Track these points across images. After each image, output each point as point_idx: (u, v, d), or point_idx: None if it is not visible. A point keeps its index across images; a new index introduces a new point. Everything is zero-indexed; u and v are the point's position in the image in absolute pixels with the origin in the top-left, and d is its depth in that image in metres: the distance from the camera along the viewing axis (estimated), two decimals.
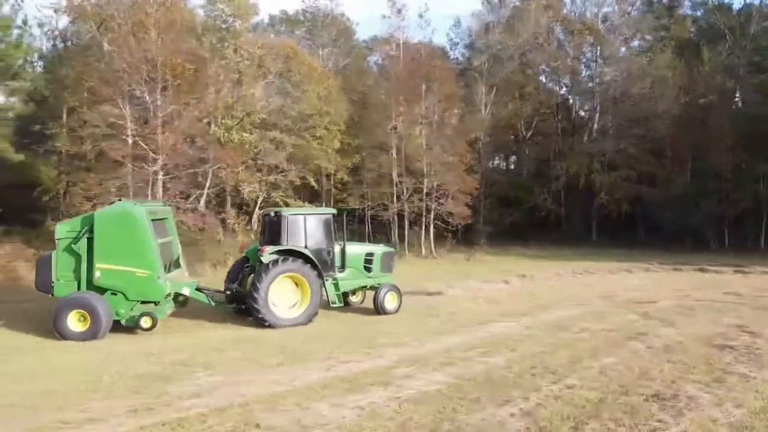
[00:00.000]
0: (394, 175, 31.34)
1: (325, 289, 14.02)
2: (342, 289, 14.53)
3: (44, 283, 12.82)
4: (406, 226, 31.94)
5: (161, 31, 21.60)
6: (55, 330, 11.96)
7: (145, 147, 21.98)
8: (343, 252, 14.66)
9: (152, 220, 12.94)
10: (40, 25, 23.55)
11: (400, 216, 32.22)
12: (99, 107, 22.48)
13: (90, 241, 12.41)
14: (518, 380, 8.87)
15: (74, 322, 11.93)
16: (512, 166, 45.91)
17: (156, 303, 12.81)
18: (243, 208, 29.18)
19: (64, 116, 28.94)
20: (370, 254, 15.11)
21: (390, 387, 8.71)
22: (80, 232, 12.55)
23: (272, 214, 14.92)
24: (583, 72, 41.51)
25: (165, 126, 21.90)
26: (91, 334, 11.87)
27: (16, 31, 20.96)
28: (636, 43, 40.99)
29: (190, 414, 7.74)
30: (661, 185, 36.18)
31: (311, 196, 33.78)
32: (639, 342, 11.15)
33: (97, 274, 12.28)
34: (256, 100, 25.09)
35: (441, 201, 30.88)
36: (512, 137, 41.33)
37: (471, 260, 29.69)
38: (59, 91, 27.51)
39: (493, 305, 16.09)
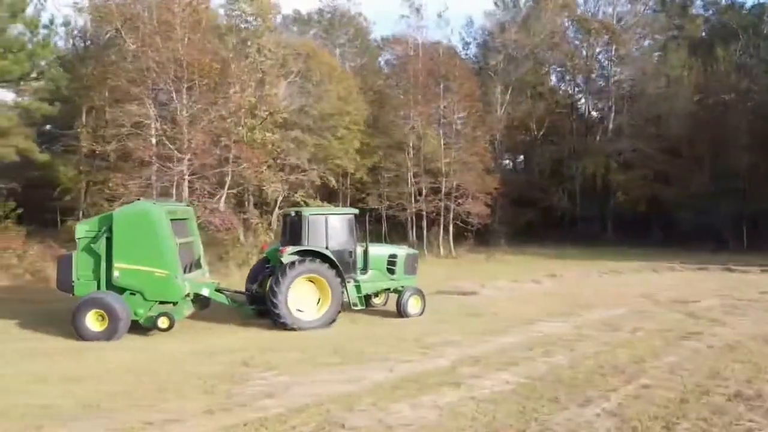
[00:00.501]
0: (410, 175, 31.27)
1: (347, 291, 13.63)
2: (364, 292, 14.18)
3: (65, 283, 12.79)
4: (425, 226, 31.86)
5: (188, 30, 21.49)
6: (74, 329, 11.87)
7: (171, 146, 21.88)
8: (365, 253, 14.31)
9: (172, 219, 12.86)
10: (65, 25, 23.45)
11: (418, 216, 32.16)
12: (125, 106, 22.39)
13: (109, 240, 12.37)
14: (589, 380, 8.78)
15: (93, 321, 11.89)
16: (524, 166, 45.81)
17: (174, 303, 12.64)
18: (263, 208, 29.09)
19: (83, 116, 28.91)
20: (394, 256, 14.77)
21: (461, 387, 8.62)
22: (99, 231, 12.52)
23: (293, 213, 14.70)
24: (598, 71, 41.40)
25: (190, 125, 21.78)
26: (109, 334, 11.80)
27: (43, 31, 20.84)
28: (648, 42, 40.84)
29: (269, 414, 7.66)
30: (679, 184, 36.07)
31: (328, 195, 33.69)
32: (697, 341, 11.07)
33: (115, 273, 12.23)
34: (279, 99, 25.00)
35: (460, 201, 30.81)
36: (526, 137, 41.20)
37: (490, 260, 29.61)
38: (78, 91, 27.44)
39: (533, 305, 16.01)
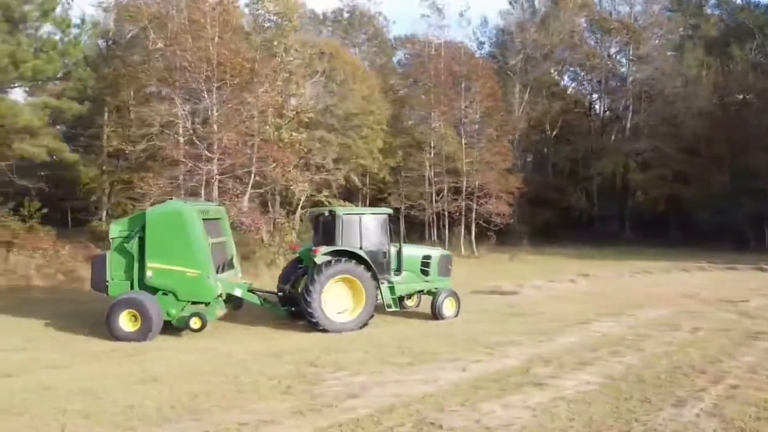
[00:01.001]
0: (430, 174, 31.19)
1: (380, 293, 13.35)
2: (398, 293, 13.89)
3: (99, 283, 12.80)
4: (447, 226, 31.78)
5: (219, 30, 21.41)
6: (107, 329, 11.83)
7: (201, 146, 21.78)
8: (399, 254, 14.02)
9: (204, 219, 12.75)
10: (94, 25, 23.30)
11: (438, 216, 32.09)
12: (155, 105, 22.31)
13: (142, 240, 12.29)
14: (673, 380, 8.69)
15: (126, 321, 11.84)
16: (541, 166, 45.67)
17: (206, 304, 12.49)
18: (286, 208, 28.99)
19: (105, 115, 28.83)
20: (428, 257, 14.48)
21: (544, 387, 8.53)
22: (132, 231, 12.46)
23: (326, 213, 14.47)
24: (616, 71, 41.31)
25: (221, 125, 21.68)
26: (142, 335, 11.73)
27: (74, 30, 20.75)
28: (664, 41, 40.70)
29: (359, 415, 7.57)
30: (698, 184, 36.00)
31: (347, 195, 33.60)
32: (765, 341, 10.98)
33: (148, 273, 12.17)
34: (306, 99, 24.91)
35: (483, 201, 30.74)
36: (542, 136, 41.11)
37: (514, 260, 29.53)
38: (101, 90, 27.36)
39: (577, 304, 15.93)
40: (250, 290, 13.46)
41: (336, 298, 12.85)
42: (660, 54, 38.84)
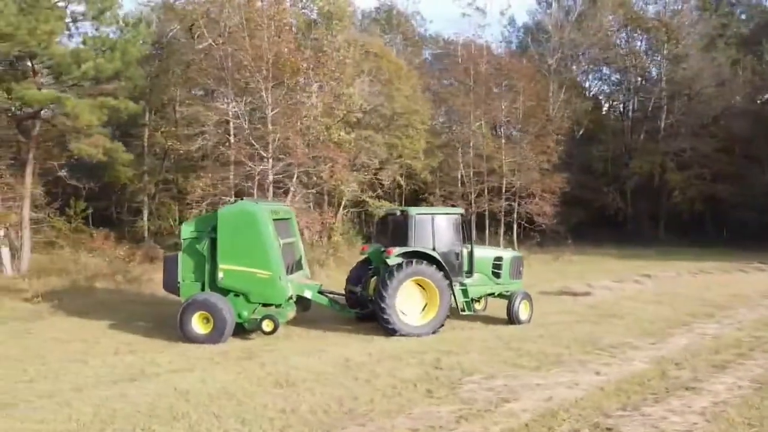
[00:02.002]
0: (469, 174, 30.96)
1: (454, 295, 12.78)
2: (471, 296, 13.33)
3: (171, 284, 12.59)
4: (487, 227, 31.51)
5: (276, 28, 21.20)
6: (180, 331, 11.66)
7: (256, 145, 21.55)
8: (470, 255, 13.42)
9: (274, 219, 12.51)
10: (149, 24, 23.13)
11: (478, 216, 31.80)
12: (209, 104, 22.12)
13: (213, 241, 12.08)
14: None
15: (198, 323, 11.65)
16: (572, 166, 45.32)
17: (277, 306, 12.23)
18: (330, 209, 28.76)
19: (147, 115, 28.64)
20: (499, 258, 13.91)
21: (698, 392, 8.33)
22: (203, 232, 12.25)
23: (398, 213, 14.16)
24: (652, 70, 41.07)
25: (277, 124, 21.45)
26: (215, 337, 11.49)
27: (131, 30, 20.52)
28: (698, 40, 40.36)
29: (525, 420, 7.36)
30: (738, 184, 35.64)
31: (386, 196, 33.33)
32: None
33: (220, 275, 11.94)
34: (356, 98, 24.68)
35: (525, 201, 30.47)
36: (577, 136, 40.77)
37: (559, 261, 29.20)
38: (144, 89, 27.14)
39: (660, 306, 15.64)
40: (320, 292, 13.16)
41: (410, 300, 12.42)
42: (695, 53, 38.47)
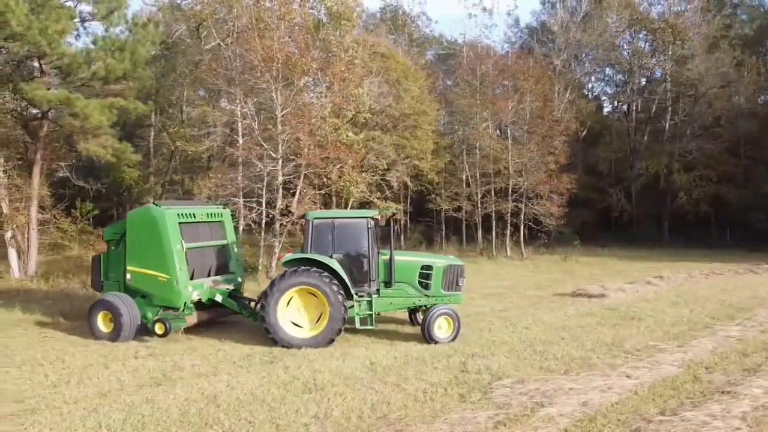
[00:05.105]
0: (475, 175, 30.85)
1: (356, 307, 11.78)
2: (376, 309, 11.92)
3: (96, 282, 13.32)
4: (493, 228, 31.37)
5: (288, 29, 21.07)
6: (89, 329, 12.05)
7: (266, 146, 21.37)
8: (389, 263, 11.94)
9: (188, 223, 12.65)
10: (156, 24, 22.95)
11: (483, 217, 31.67)
12: (218, 105, 21.96)
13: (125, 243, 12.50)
14: None
15: (102, 323, 12.04)
16: (575, 166, 45.24)
17: (175, 309, 12.18)
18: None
19: (152, 116, 28.48)
20: (428, 267, 12.17)
21: (735, 396, 8.17)
22: (121, 233, 12.63)
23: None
24: (654, 70, 40.98)
25: (287, 125, 21.27)
26: (114, 336, 11.76)
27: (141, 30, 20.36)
28: (702, 41, 40.25)
29: (565, 425, 7.24)
30: (744, 185, 35.57)
31: (392, 197, 33.16)
32: None
33: (128, 276, 12.30)
34: (364, 99, 24.53)
35: (532, 202, 30.34)
36: (579, 136, 40.66)
37: (567, 262, 29.07)
38: (150, 90, 26.99)
39: (679, 308, 15.46)
40: (233, 296, 12.83)
41: (304, 311, 11.62)
42: (700, 54, 38.38)
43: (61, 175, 25.46)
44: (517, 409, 7.75)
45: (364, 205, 29.47)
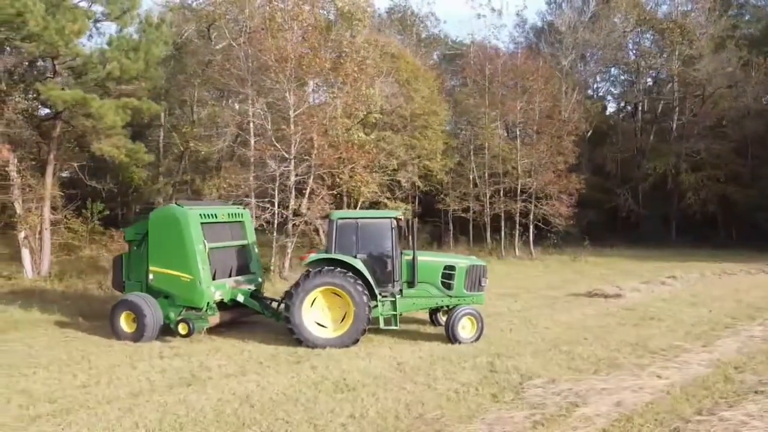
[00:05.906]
0: (484, 175, 30.82)
1: (380, 307, 11.75)
2: (399, 309, 11.90)
3: (117, 283, 13.35)
4: (502, 228, 31.35)
5: (299, 29, 21.05)
6: (111, 330, 12.09)
7: (279, 146, 21.34)
8: (412, 263, 11.92)
9: (210, 223, 12.64)
10: (170, 25, 22.95)
11: (492, 218, 31.65)
12: (230, 105, 21.95)
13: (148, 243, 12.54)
14: None
15: (125, 323, 12.06)
16: (582, 166, 45.20)
17: (198, 309, 12.18)
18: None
19: (162, 116, 28.44)
20: (450, 267, 12.17)
21: None
22: (143, 234, 12.66)
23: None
24: (662, 70, 40.90)
25: (298, 125, 21.25)
26: (137, 336, 11.80)
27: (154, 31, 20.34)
28: (710, 41, 40.22)
29: (603, 425, 7.24)
30: (753, 185, 35.51)
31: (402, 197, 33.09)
32: None
33: (150, 276, 12.35)
34: (376, 99, 24.51)
35: (541, 202, 30.32)
36: (588, 136, 40.65)
37: (577, 262, 29.05)
38: (162, 90, 26.97)
39: (697, 308, 15.46)
40: (255, 296, 12.86)
41: (329, 311, 11.64)
42: (707, 54, 38.35)
43: (67, 175, 25.40)
44: (553, 409, 7.75)
45: (373, 205, 29.49)
